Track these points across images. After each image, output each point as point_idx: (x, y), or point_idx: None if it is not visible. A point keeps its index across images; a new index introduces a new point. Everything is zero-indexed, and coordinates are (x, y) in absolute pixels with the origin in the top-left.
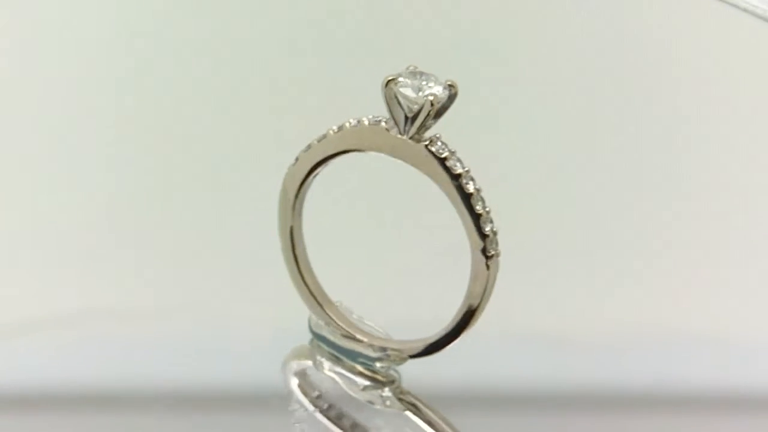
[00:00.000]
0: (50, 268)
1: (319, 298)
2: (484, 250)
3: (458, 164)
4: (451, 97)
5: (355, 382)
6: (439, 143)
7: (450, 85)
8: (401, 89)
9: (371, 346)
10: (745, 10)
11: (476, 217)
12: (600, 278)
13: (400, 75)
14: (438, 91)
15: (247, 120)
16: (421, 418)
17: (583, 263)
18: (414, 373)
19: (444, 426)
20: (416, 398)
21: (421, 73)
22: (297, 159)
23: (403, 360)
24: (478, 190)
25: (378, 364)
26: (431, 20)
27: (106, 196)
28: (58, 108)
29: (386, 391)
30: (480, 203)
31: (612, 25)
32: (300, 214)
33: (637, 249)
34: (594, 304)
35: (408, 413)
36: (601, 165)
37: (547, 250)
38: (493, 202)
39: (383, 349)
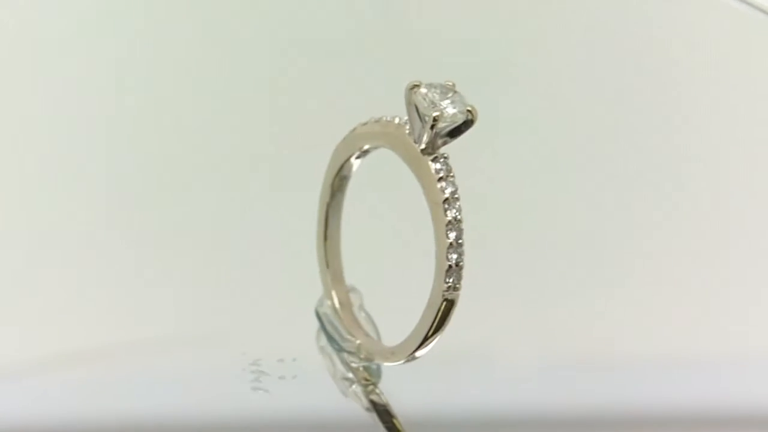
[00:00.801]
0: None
1: (332, 279)
2: (442, 280)
3: (449, 189)
4: (467, 123)
5: (336, 368)
6: (440, 162)
7: (468, 110)
8: (418, 98)
9: (350, 336)
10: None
11: (445, 245)
12: (614, 300)
13: (423, 84)
14: (449, 110)
15: (250, 123)
16: (384, 424)
17: (595, 283)
18: (425, 395)
19: None
20: (387, 405)
21: (448, 90)
22: (344, 139)
23: (369, 360)
24: (457, 220)
25: (345, 355)
26: (432, 20)
27: (107, 204)
28: (55, 113)
29: (355, 387)
30: (454, 233)
31: (612, 24)
32: (338, 195)
33: (652, 268)
34: (609, 327)
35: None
36: (617, 185)
37: (558, 271)
38: (507, 218)
39: (355, 345)
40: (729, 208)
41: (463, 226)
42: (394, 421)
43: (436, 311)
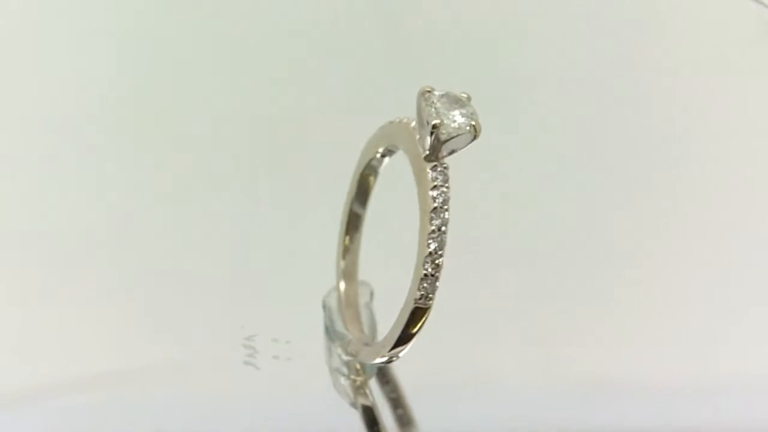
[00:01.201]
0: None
1: (344, 272)
2: (416, 287)
3: (439, 198)
4: (468, 137)
5: (332, 359)
6: (438, 171)
7: (472, 125)
8: (426, 104)
9: (344, 330)
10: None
11: (424, 254)
12: (620, 324)
13: (436, 90)
14: (456, 121)
15: (256, 121)
16: (366, 424)
17: (600, 307)
18: (427, 418)
19: None
20: (373, 407)
21: (460, 101)
22: (373, 135)
23: (353, 356)
24: (440, 231)
25: (333, 343)
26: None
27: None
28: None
29: (344, 381)
30: (435, 243)
31: (613, 23)
32: (364, 190)
33: (658, 292)
34: (614, 351)
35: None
36: (630, 205)
37: (563, 295)
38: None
39: (342, 337)
40: (742, 229)
41: (447, 237)
42: (378, 426)
43: (407, 317)
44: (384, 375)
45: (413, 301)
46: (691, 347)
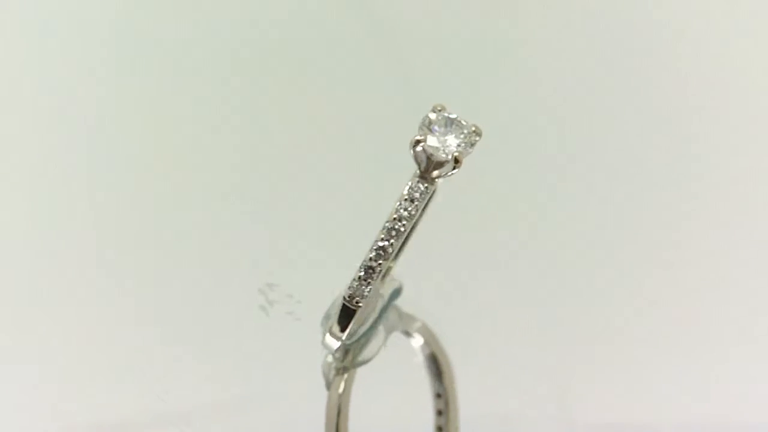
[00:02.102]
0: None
1: (381, 263)
2: (348, 285)
3: (403, 212)
4: (448, 166)
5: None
6: (416, 188)
7: (455, 158)
8: (427, 120)
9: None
10: None
11: (366, 258)
12: (637, 366)
13: (445, 111)
14: (434, 145)
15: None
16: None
17: (617, 349)
18: None
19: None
20: (341, 398)
21: (463, 128)
22: None
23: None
24: (389, 242)
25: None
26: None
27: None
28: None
29: (329, 359)
30: (377, 252)
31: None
32: None
33: (675, 334)
34: (631, 394)
35: None
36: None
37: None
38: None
39: (327, 319)
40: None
41: (394, 251)
42: (339, 417)
43: (338, 312)
44: (437, 386)
45: (342, 298)
46: (710, 391)
